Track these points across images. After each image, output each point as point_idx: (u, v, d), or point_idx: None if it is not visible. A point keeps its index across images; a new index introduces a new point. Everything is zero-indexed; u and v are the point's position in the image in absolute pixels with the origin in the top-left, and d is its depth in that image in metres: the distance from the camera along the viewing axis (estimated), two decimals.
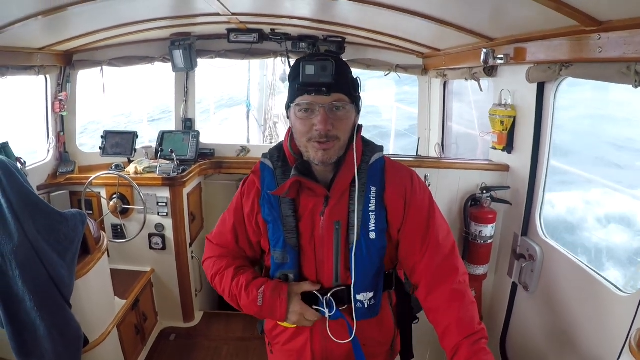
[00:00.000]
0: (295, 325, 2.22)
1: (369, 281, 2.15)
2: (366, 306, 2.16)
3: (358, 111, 2.13)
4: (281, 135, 9.88)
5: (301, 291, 2.14)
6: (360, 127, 2.16)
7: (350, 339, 2.16)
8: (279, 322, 2.27)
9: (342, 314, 2.14)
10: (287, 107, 2.12)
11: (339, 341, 2.17)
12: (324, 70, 1.93)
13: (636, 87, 2.30)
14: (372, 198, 2.12)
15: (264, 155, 2.28)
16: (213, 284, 2.34)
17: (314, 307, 2.14)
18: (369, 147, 2.21)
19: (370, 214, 2.11)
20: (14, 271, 2.95)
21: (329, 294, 2.14)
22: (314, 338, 2.28)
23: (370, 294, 2.16)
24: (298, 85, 1.98)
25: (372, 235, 2.11)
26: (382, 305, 2.25)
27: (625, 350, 2.09)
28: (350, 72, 2.08)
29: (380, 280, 2.22)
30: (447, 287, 2.06)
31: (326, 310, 2.14)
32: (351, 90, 2.03)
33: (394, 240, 2.22)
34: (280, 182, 2.14)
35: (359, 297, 2.14)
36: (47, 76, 4.92)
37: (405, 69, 5.65)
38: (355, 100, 2.07)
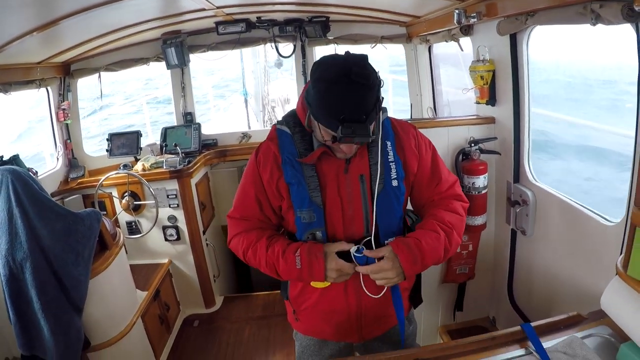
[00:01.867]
0: (329, 283, 2.29)
1: (395, 225, 2.30)
2: None
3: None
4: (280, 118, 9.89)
5: (336, 250, 2.20)
6: (382, 98, 2.11)
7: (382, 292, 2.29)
8: (312, 284, 2.35)
9: (374, 260, 2.19)
10: (314, 115, 2.07)
11: (373, 295, 2.29)
12: (363, 137, 1.94)
13: (594, 24, 2.43)
14: (389, 151, 2.27)
15: (279, 123, 2.36)
16: (246, 259, 2.37)
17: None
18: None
19: (391, 164, 2.26)
20: (25, 276, 3.11)
21: (362, 243, 2.23)
22: (348, 294, 2.37)
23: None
24: (334, 126, 1.94)
25: (395, 182, 2.26)
26: None
27: (615, 275, 2.21)
28: (378, 100, 2.02)
29: (401, 224, 2.38)
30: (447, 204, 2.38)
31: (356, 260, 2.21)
32: (378, 112, 2.03)
33: (410, 186, 2.38)
34: (299, 146, 2.25)
35: (387, 242, 2.26)
36: (48, 88, 5.04)
37: (391, 39, 5.73)
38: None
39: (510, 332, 2.23)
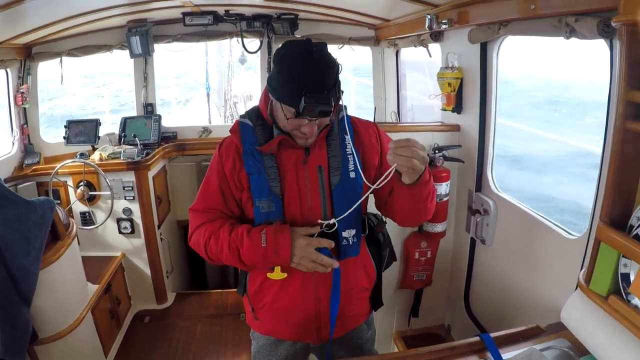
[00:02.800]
0: (285, 275, 2.28)
1: (351, 218, 2.26)
2: (350, 243, 2.31)
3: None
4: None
5: (301, 231, 2.18)
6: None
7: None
8: (269, 275, 2.31)
9: (330, 252, 2.20)
10: (274, 95, 2.13)
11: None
12: (324, 112, 2.01)
13: (567, 38, 2.45)
14: (347, 143, 2.30)
15: (242, 116, 2.38)
16: (207, 250, 2.31)
17: None
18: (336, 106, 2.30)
19: (349, 156, 2.29)
20: None
21: (316, 234, 2.20)
22: (306, 289, 2.34)
23: (353, 231, 2.32)
24: (296, 100, 1.98)
25: (352, 174, 2.28)
26: (362, 247, 2.41)
27: (577, 288, 2.21)
28: (338, 77, 2.09)
29: (359, 220, 2.38)
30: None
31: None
32: (338, 94, 2.08)
33: (370, 180, 2.32)
34: (261, 138, 2.26)
35: (344, 234, 2.28)
36: (8, 70, 4.92)
37: (358, 41, 5.77)
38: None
39: (468, 342, 2.23)
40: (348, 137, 2.29)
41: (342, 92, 2.14)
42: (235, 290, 2.59)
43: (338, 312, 2.40)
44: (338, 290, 2.34)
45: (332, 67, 2.03)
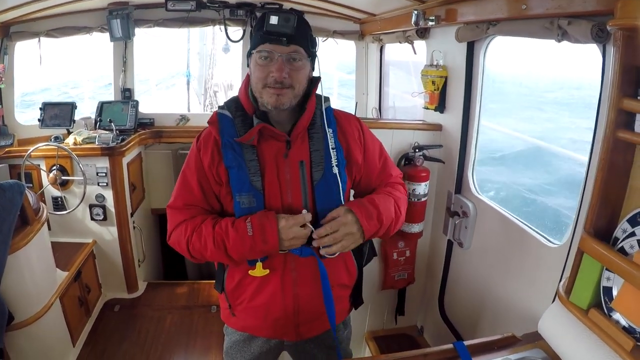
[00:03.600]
0: (267, 272, 2.25)
1: None
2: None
3: (313, 67, 2.25)
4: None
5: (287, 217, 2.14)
6: (319, 78, 2.29)
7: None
8: (251, 273, 2.26)
9: (312, 251, 2.19)
10: (249, 55, 2.20)
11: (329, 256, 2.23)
12: (287, 22, 2.03)
13: (559, 41, 2.41)
14: (330, 137, 2.27)
15: (221, 107, 2.33)
16: (190, 248, 2.26)
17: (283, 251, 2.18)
18: (319, 97, 2.32)
19: (331, 151, 2.25)
20: None
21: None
22: (284, 285, 2.30)
23: None
24: (261, 33, 2.07)
25: (335, 170, 2.23)
26: None
27: (555, 300, 2.18)
28: (310, 30, 2.19)
29: None
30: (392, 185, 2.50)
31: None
32: (309, 45, 2.15)
33: (352, 177, 2.38)
34: (240, 129, 2.22)
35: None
36: None
37: (343, 34, 5.76)
38: (311, 55, 2.19)
39: (442, 349, 2.19)
40: (331, 131, 2.29)
41: (317, 47, 2.24)
42: (208, 282, 2.55)
43: (316, 309, 2.37)
44: (328, 286, 2.28)
45: (301, 16, 2.11)
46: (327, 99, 2.35)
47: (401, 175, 2.61)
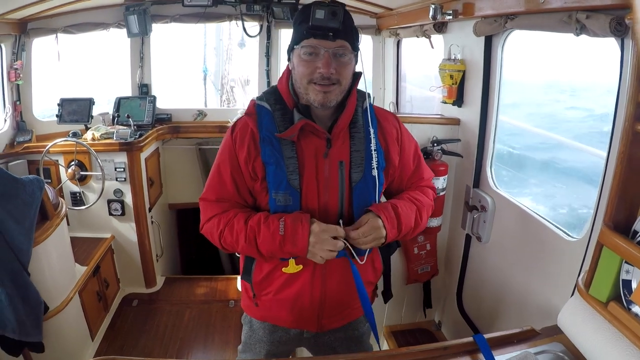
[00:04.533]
0: (301, 267, 2.24)
1: None
2: None
3: (356, 61, 2.20)
4: (238, 99, 9.94)
5: (321, 225, 2.11)
6: (360, 74, 2.26)
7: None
8: (285, 270, 2.26)
9: (345, 252, 2.17)
10: (290, 50, 2.17)
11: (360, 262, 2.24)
12: (334, 16, 1.99)
13: (577, 35, 2.39)
14: (372, 138, 2.23)
15: (259, 98, 2.29)
16: (222, 241, 2.26)
17: None
18: (360, 94, 2.30)
19: (373, 152, 2.21)
20: None
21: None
22: (314, 281, 2.30)
23: None
24: (306, 28, 2.02)
25: (374, 172, 2.21)
26: None
27: (575, 293, 2.17)
28: (354, 23, 2.13)
29: None
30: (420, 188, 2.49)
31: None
32: (354, 39, 2.11)
33: (389, 178, 2.37)
34: (280, 124, 2.18)
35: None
36: (2, 45, 4.85)
37: (359, 28, 5.65)
38: (356, 49, 2.15)
39: (462, 342, 2.17)
40: (373, 132, 2.24)
41: (359, 47, 2.19)
42: (226, 277, 2.54)
43: (341, 303, 2.40)
44: (362, 286, 2.27)
45: (347, 12, 2.06)
46: (367, 96, 2.33)
47: (432, 177, 2.60)
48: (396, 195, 2.39)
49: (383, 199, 2.44)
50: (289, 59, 2.22)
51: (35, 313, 3.27)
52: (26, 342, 3.21)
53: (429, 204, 2.43)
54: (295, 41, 2.10)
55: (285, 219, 2.09)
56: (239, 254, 2.42)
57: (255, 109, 2.25)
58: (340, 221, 2.16)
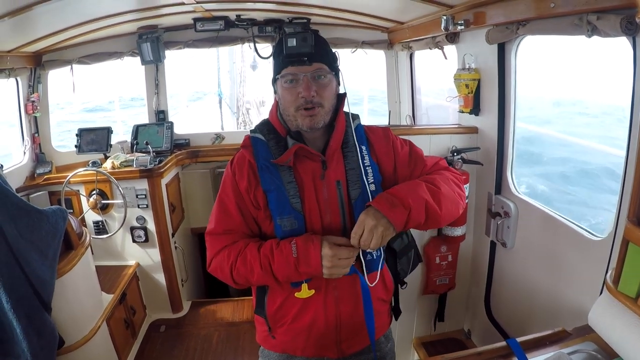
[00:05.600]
0: (313, 292, 2.22)
1: None
2: (374, 257, 2.25)
3: (338, 82, 2.23)
4: (254, 121, 9.92)
5: (331, 239, 2.10)
6: (344, 95, 2.28)
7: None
8: (298, 295, 2.24)
9: (356, 269, 2.16)
10: (274, 82, 2.22)
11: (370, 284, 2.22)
12: (305, 41, 2.05)
13: (589, 36, 2.40)
14: (365, 155, 2.26)
15: (253, 131, 2.32)
16: (234, 274, 2.22)
17: None
18: (349, 116, 2.33)
19: (367, 168, 2.24)
20: None
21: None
22: (327, 305, 2.27)
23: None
24: (282, 58, 2.09)
25: (372, 187, 2.22)
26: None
27: (604, 290, 2.17)
28: (329, 46, 2.18)
29: None
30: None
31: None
32: (331, 60, 2.15)
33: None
34: (275, 152, 2.21)
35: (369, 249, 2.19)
36: (18, 78, 4.91)
37: (372, 44, 5.76)
38: (335, 70, 2.18)
39: (495, 347, 2.19)
40: (365, 148, 2.28)
41: (338, 62, 2.24)
42: (252, 297, 2.51)
43: (358, 325, 2.35)
44: (370, 304, 2.26)
45: (321, 38, 2.14)
46: (356, 117, 2.37)
47: (443, 160, 2.53)
48: None
49: None
50: (275, 91, 2.27)
51: (49, 347, 3.28)
52: None
53: (445, 176, 2.33)
54: (276, 72, 2.17)
55: (296, 241, 2.09)
56: (251, 285, 2.38)
57: (250, 141, 2.29)
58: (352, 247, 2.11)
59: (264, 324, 2.46)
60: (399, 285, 2.61)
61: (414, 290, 4.17)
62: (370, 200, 2.18)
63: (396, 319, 2.67)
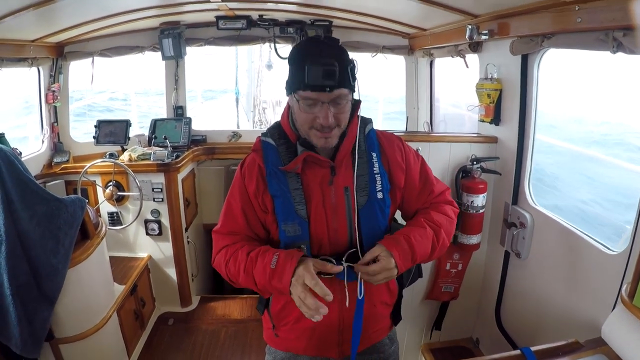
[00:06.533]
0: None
1: (379, 238, 2.22)
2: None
3: (354, 91, 2.17)
4: (270, 120, 9.98)
5: (317, 264, 2.03)
6: (359, 102, 2.23)
7: (359, 297, 2.20)
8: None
9: (356, 276, 2.15)
10: (289, 89, 2.12)
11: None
12: (329, 77, 1.95)
13: (614, 52, 2.41)
14: (374, 162, 2.25)
15: (264, 135, 2.32)
16: (227, 271, 2.26)
17: (329, 275, 2.11)
18: (362, 120, 2.31)
19: (376, 176, 2.24)
20: None
21: (344, 257, 2.18)
22: (330, 307, 2.13)
23: None
24: (302, 81, 1.97)
25: (380, 195, 2.23)
26: None
27: (618, 303, 2.19)
28: (349, 61, 2.04)
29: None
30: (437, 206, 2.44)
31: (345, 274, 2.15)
32: (351, 81, 2.05)
33: (396, 200, 2.35)
34: (285, 158, 2.21)
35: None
36: (40, 68, 4.95)
37: (392, 49, 5.76)
38: (353, 88, 2.10)
39: (508, 355, 2.22)
40: (375, 155, 2.28)
41: (356, 79, 2.10)
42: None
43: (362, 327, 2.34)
44: (361, 313, 2.26)
45: (342, 52, 2.03)
46: (369, 121, 2.36)
47: (449, 191, 2.54)
48: (411, 219, 2.40)
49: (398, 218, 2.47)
50: (287, 94, 2.18)
51: (37, 336, 3.31)
52: (24, 357, 3.29)
53: (449, 221, 2.40)
54: (294, 89, 2.07)
55: (279, 253, 2.07)
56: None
57: (261, 145, 2.30)
58: (343, 261, 2.15)
59: (269, 321, 2.49)
60: (402, 293, 2.60)
61: (417, 295, 4.19)
62: (388, 222, 2.29)
63: (395, 325, 2.66)
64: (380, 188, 2.24)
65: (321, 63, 1.94)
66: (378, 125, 2.42)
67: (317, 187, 2.20)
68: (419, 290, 4.19)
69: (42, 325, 3.33)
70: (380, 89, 11.67)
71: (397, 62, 6.08)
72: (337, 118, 2.06)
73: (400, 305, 2.62)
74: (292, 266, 2.00)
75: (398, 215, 2.51)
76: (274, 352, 2.60)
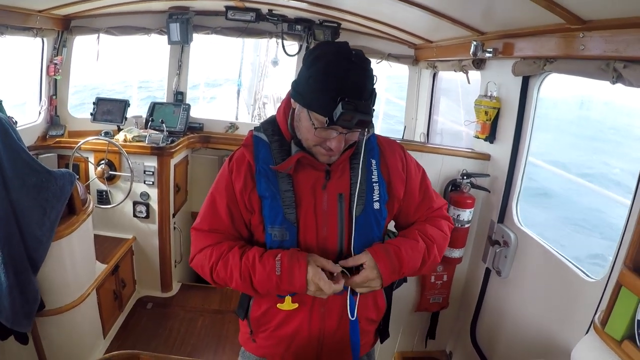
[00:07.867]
0: (296, 306, 2.14)
1: None
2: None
3: None
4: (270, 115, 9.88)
5: (319, 264, 1.98)
6: None
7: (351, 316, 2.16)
8: (280, 306, 2.15)
9: (346, 287, 2.05)
10: (301, 103, 1.96)
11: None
12: (363, 123, 1.84)
13: (614, 83, 2.42)
14: (373, 170, 2.15)
15: (257, 129, 2.19)
16: (214, 275, 2.13)
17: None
18: None
19: (374, 184, 2.13)
20: None
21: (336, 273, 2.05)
22: (312, 319, 2.19)
23: None
24: (329, 116, 1.82)
25: (376, 205, 2.13)
26: None
27: (590, 330, 2.20)
28: (374, 88, 1.92)
29: None
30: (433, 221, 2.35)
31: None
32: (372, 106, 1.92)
33: (393, 212, 2.27)
34: (277, 156, 2.09)
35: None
36: (44, 39, 4.94)
37: (397, 58, 5.77)
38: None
39: None
40: (375, 162, 2.17)
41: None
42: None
43: (340, 343, 2.29)
44: (356, 324, 2.24)
45: (371, 76, 1.87)
46: (372, 126, 2.12)
47: (446, 206, 2.48)
48: (406, 230, 2.32)
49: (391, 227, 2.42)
50: (292, 96, 2.04)
51: (30, 307, 3.30)
52: (14, 330, 3.29)
53: (443, 237, 2.32)
54: (312, 106, 1.90)
55: (282, 258, 1.99)
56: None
57: (252, 140, 2.18)
58: (338, 267, 2.04)
59: (246, 325, 2.41)
60: (389, 310, 2.53)
61: (404, 306, 4.19)
62: (382, 234, 2.22)
63: (381, 342, 2.60)
64: (378, 198, 2.13)
65: (359, 109, 1.79)
66: (378, 125, 2.38)
67: (309, 191, 2.10)
68: (407, 302, 4.20)
69: (34, 295, 3.34)
70: (382, 88, 11.69)
71: (400, 68, 6.09)
72: (347, 140, 1.98)
73: (388, 321, 2.55)
74: (303, 271, 1.95)
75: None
76: (248, 357, 2.51)
